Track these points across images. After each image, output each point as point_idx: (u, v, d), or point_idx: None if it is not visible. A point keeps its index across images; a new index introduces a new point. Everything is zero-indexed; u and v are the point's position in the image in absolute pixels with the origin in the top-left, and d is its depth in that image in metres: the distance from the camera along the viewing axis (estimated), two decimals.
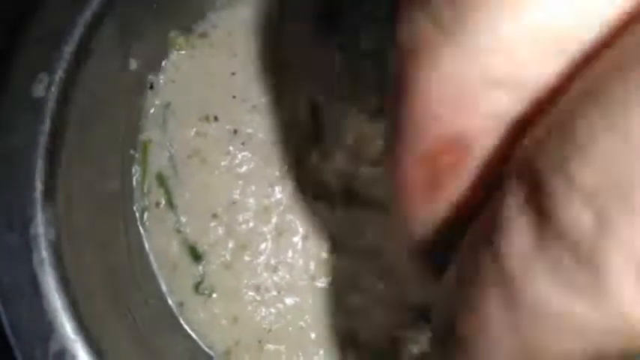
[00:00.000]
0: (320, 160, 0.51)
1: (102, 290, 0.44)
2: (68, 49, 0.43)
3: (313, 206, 0.50)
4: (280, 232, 0.50)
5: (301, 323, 0.50)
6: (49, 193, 0.40)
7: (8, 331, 0.38)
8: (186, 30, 0.53)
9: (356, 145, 0.52)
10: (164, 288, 0.50)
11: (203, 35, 0.53)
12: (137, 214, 0.50)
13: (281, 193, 0.51)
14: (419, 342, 0.50)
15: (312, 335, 0.50)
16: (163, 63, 0.52)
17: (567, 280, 0.14)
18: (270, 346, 0.49)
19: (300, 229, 0.51)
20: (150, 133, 0.51)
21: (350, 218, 0.51)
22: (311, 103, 0.52)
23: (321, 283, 0.50)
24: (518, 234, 0.15)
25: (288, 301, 0.50)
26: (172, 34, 0.52)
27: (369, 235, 0.51)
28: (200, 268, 0.50)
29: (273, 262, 0.50)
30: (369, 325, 0.50)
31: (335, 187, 0.51)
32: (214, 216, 0.50)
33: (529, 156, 0.15)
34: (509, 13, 0.15)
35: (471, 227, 0.19)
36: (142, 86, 0.51)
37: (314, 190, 0.51)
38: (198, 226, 0.50)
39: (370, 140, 0.51)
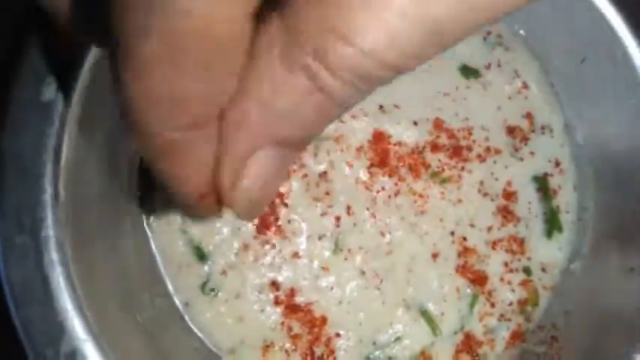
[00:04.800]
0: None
1: (111, 290, 0.44)
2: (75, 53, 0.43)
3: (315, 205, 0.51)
4: (284, 233, 0.51)
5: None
6: (58, 195, 0.41)
7: (20, 331, 0.38)
8: None
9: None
10: (170, 288, 0.51)
11: None
12: (143, 215, 0.51)
13: (285, 193, 0.51)
14: None
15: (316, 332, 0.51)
16: None
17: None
18: (275, 345, 0.50)
19: (304, 230, 0.51)
20: None
21: None
22: None
23: (325, 282, 0.51)
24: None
25: (293, 300, 0.51)
26: None
27: None
28: (206, 268, 0.50)
29: (277, 261, 0.51)
30: None
31: None
32: (219, 216, 0.51)
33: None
34: None
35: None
36: None
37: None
38: (203, 227, 0.51)
39: None
